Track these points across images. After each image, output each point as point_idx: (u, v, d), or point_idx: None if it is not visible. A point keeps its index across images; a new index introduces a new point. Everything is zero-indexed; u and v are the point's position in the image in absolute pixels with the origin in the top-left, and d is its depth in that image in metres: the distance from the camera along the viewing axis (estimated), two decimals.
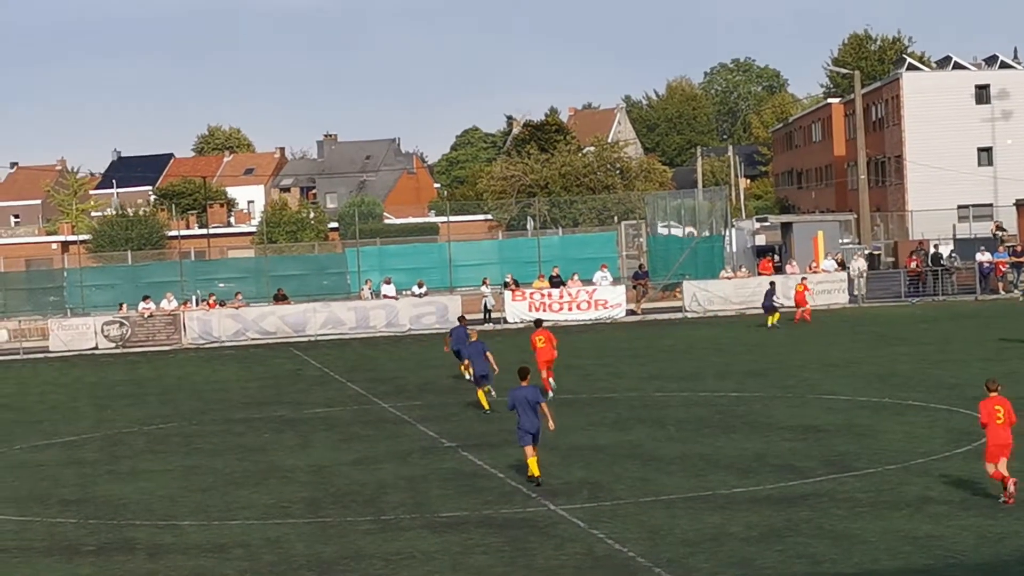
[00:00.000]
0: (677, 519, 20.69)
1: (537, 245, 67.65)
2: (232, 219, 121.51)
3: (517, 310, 58.04)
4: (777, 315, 51.57)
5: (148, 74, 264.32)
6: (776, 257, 65.14)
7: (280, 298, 59.74)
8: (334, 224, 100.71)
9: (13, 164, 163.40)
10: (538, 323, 37.20)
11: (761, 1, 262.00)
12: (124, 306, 58.52)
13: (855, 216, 75.80)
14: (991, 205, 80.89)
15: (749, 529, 19.80)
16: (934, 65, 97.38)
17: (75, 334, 57.01)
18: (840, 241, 67.52)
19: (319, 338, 56.60)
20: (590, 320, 57.97)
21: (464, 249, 69.74)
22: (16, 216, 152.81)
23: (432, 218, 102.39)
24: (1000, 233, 66.73)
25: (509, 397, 24.18)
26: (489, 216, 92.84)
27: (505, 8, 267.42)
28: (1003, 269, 61.19)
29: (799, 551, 18.49)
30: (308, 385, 41.52)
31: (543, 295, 58.75)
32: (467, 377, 35.16)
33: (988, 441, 20.84)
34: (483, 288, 59.97)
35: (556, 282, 59.99)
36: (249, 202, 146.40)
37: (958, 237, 70.46)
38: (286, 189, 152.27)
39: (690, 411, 31.66)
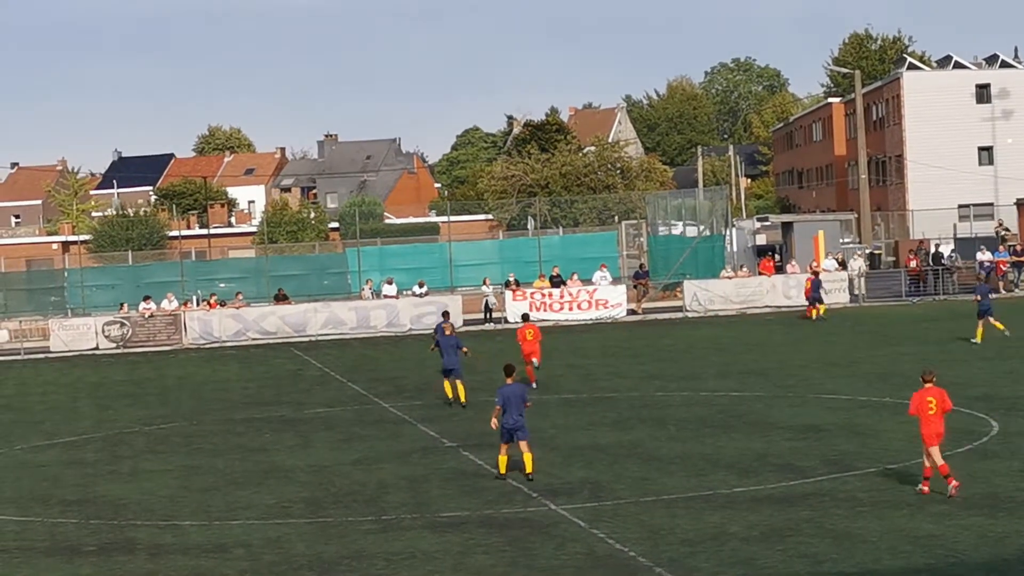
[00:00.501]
0: (678, 519, 20.69)
1: (538, 245, 67.63)
2: (233, 219, 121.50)
3: (518, 310, 58.00)
4: (824, 307, 52.94)
5: (148, 74, 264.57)
6: (777, 257, 65.14)
7: (281, 298, 59.74)
8: (335, 224, 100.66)
9: (14, 164, 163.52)
10: (525, 317, 39.34)
11: (761, 1, 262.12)
12: (125, 306, 58.52)
13: (856, 215, 75.78)
14: (992, 204, 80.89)
15: (750, 529, 19.81)
16: (934, 64, 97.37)
17: (76, 334, 57.02)
18: (841, 241, 67.51)
19: (320, 338, 56.61)
20: (591, 320, 57.97)
21: (465, 249, 69.73)
22: (17, 216, 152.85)
23: (433, 218, 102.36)
24: (1003, 232, 66.73)
25: (499, 394, 24.40)
26: (490, 216, 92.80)
27: (505, 8, 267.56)
28: (1004, 268, 61.19)
29: (800, 551, 18.49)
30: (309, 385, 41.53)
31: (544, 295, 58.74)
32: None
33: (923, 431, 21.52)
34: (484, 288, 59.96)
35: (556, 282, 59.99)
36: (250, 202, 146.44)
37: (959, 236, 70.43)
38: (287, 189, 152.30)
39: (691, 411, 31.66)
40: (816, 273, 56.36)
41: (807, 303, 54.61)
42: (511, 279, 60.51)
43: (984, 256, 61.25)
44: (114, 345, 56.61)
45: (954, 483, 21.11)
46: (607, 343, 49.25)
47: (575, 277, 60.29)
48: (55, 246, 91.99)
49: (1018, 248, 62.74)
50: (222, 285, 64.71)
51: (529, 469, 24.30)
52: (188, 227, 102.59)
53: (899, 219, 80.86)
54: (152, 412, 36.93)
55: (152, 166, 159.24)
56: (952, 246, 66.00)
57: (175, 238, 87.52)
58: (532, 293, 58.81)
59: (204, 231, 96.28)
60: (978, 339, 42.02)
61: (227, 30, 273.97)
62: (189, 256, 79.22)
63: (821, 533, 19.35)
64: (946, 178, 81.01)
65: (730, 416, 30.41)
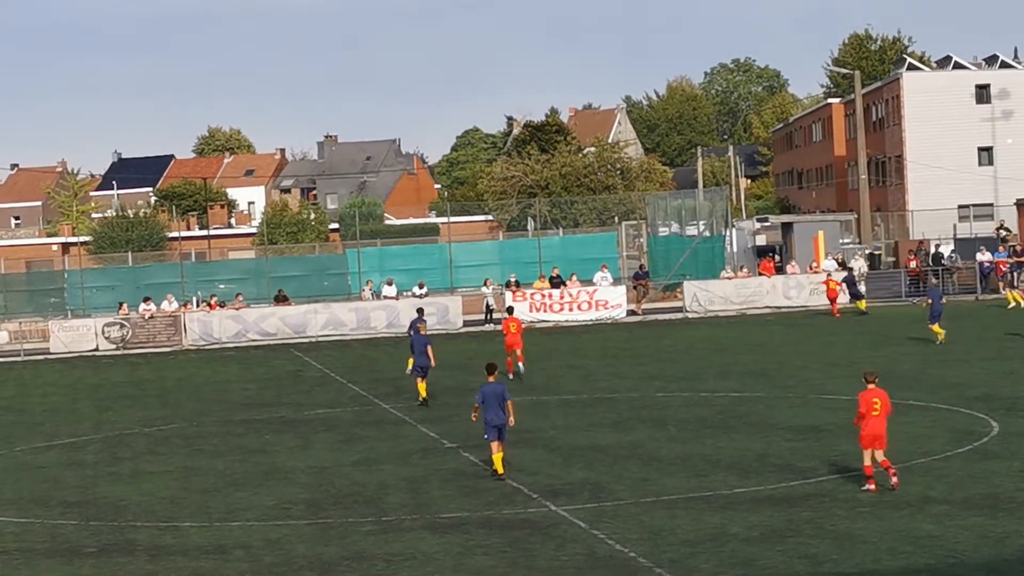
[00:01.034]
0: (678, 519, 20.69)
1: (538, 246, 67.62)
2: (233, 220, 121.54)
3: (518, 311, 57.89)
4: (863, 302, 54.80)
5: (148, 75, 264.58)
6: (777, 257, 65.13)
7: (281, 299, 59.73)
8: (335, 225, 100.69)
9: (14, 166, 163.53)
10: (510, 310, 41.80)
11: (761, 1, 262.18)
12: (124, 306, 58.44)
13: (855, 216, 75.77)
14: (991, 205, 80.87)
15: (750, 529, 19.81)
16: (934, 65, 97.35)
17: (76, 335, 57.01)
18: (840, 241, 67.49)
19: (320, 339, 56.59)
20: (591, 320, 57.96)
21: (465, 250, 69.70)
22: (17, 218, 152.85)
23: (433, 219, 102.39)
24: (1004, 233, 66.74)
25: (479, 392, 24.67)
26: (490, 217, 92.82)
27: (505, 9, 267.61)
28: (1004, 269, 61.19)
29: (800, 551, 18.49)
30: (309, 386, 41.52)
31: (544, 295, 58.72)
32: (407, 370, 37.03)
33: (863, 431, 21.93)
34: (484, 288, 59.93)
35: (556, 282, 59.97)
36: (250, 203, 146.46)
37: (958, 237, 70.42)
38: (287, 190, 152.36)
39: (691, 411, 31.66)
40: (849, 269, 57.80)
41: (830, 302, 55.41)
42: (512, 280, 60.49)
43: (984, 256, 61.24)
44: (114, 346, 56.60)
45: (895, 478, 21.70)
46: (607, 344, 49.25)
47: (574, 278, 60.27)
48: (55, 247, 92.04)
49: (1018, 248, 62.72)
50: (222, 286, 64.67)
51: (501, 469, 24.56)
52: (188, 228, 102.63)
53: (899, 219, 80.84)
54: (152, 413, 36.92)
55: (152, 167, 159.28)
56: (952, 246, 65.99)
57: (175, 239, 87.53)
58: (532, 294, 58.78)
59: (204, 232, 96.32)
60: (941, 339, 42.52)
61: (227, 31, 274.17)
62: (189, 257, 79.20)
63: (821, 534, 19.35)
64: (946, 178, 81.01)
65: (730, 417, 30.41)
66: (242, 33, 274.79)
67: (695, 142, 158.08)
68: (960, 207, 79.43)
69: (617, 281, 62.40)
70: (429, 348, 34.89)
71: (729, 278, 60.28)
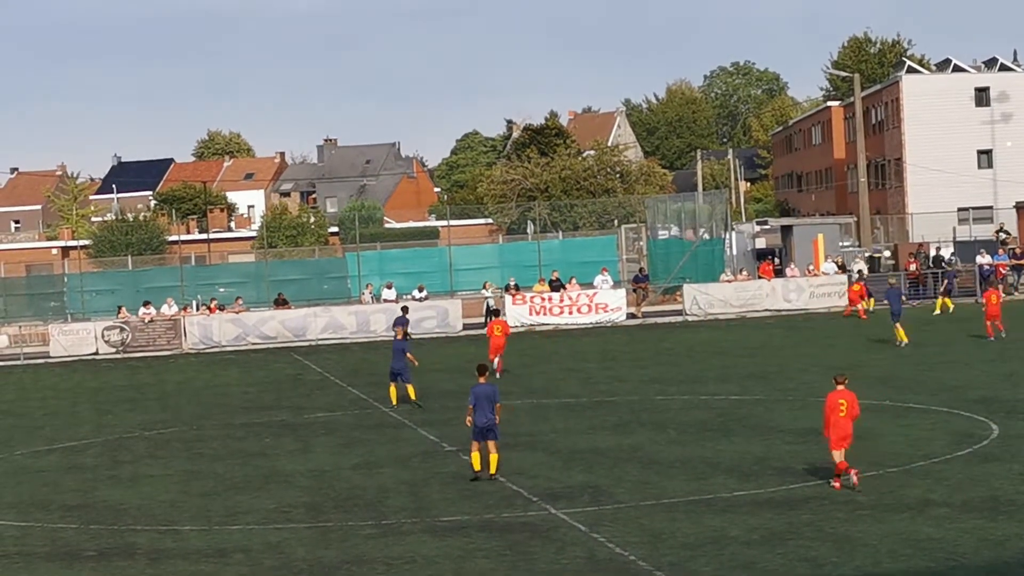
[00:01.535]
0: (678, 522, 20.69)
1: (538, 249, 67.61)
2: (232, 224, 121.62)
3: (518, 314, 58.01)
4: (872, 300, 55.15)
5: (148, 79, 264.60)
6: (776, 260, 65.14)
7: (280, 303, 59.71)
8: (334, 228, 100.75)
9: (13, 169, 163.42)
10: (496, 313, 41.10)
11: (761, 4, 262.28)
12: (123, 309, 58.40)
13: (855, 219, 75.82)
14: (991, 208, 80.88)
15: (750, 532, 19.81)
16: (934, 68, 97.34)
17: (76, 339, 57.01)
18: (840, 244, 67.52)
19: (320, 342, 56.58)
20: (590, 324, 57.94)
21: (464, 253, 69.71)
22: (16, 221, 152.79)
23: (432, 222, 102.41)
24: (1003, 236, 66.74)
25: (471, 394, 24.74)
26: (489, 220, 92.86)
27: (505, 12, 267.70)
28: (1003, 271, 61.21)
29: (801, 554, 18.49)
30: (309, 389, 41.52)
31: (543, 299, 58.70)
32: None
33: (829, 433, 22.29)
34: (484, 291, 59.91)
35: (556, 286, 59.97)
36: (249, 207, 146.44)
37: (958, 240, 70.43)
38: (286, 194, 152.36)
39: (691, 414, 31.65)
40: (850, 272, 58.59)
41: (850, 305, 55.55)
42: (511, 283, 60.50)
43: (984, 259, 61.26)
44: (114, 350, 56.59)
45: (856, 478, 22.03)
46: (607, 347, 49.24)
47: (574, 281, 60.26)
48: (55, 251, 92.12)
49: (1017, 251, 62.71)
50: (222, 290, 64.64)
51: (493, 470, 24.62)
52: (188, 232, 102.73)
53: (898, 222, 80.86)
54: (152, 417, 36.91)
55: (151, 171, 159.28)
56: (952, 249, 66.01)
57: (175, 243, 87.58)
58: (532, 297, 58.77)
59: (204, 236, 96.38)
60: (902, 340, 42.96)
61: (226, 34, 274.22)
62: (189, 261, 79.22)
63: (821, 537, 19.35)
64: (945, 181, 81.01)
65: (730, 420, 30.40)
66: (242, 37, 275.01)
67: (695, 145, 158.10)
68: (960, 210, 79.45)
69: (617, 284, 62.38)
70: (407, 353, 35.39)
71: (729, 281, 60.28)
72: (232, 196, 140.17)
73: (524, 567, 18.70)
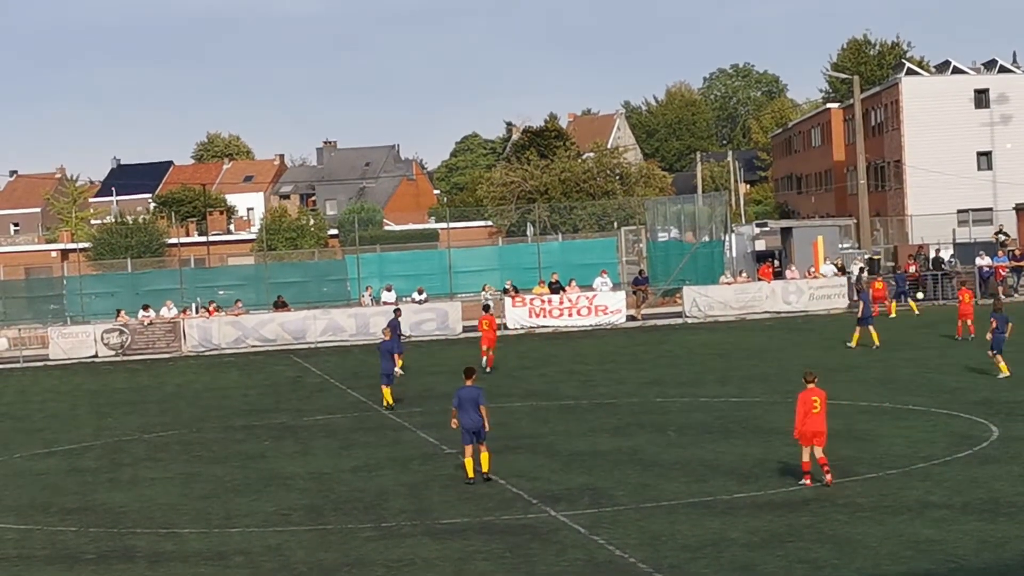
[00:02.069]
0: (678, 525, 20.68)
1: (537, 251, 67.61)
2: (232, 226, 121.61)
3: (517, 316, 58.00)
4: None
5: (147, 82, 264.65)
6: (776, 262, 65.13)
7: (280, 305, 59.69)
8: (334, 231, 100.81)
9: (12, 172, 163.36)
10: (486, 308, 44.37)
11: (760, 6, 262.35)
12: (122, 312, 58.37)
13: (855, 221, 75.75)
14: (991, 209, 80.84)
15: (750, 534, 19.80)
16: (933, 69, 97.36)
17: (75, 342, 56.98)
18: (840, 246, 67.48)
19: (319, 345, 56.56)
20: (590, 326, 57.93)
21: (464, 255, 69.74)
22: (16, 224, 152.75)
23: (432, 224, 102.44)
24: (1003, 237, 66.73)
25: (455, 396, 24.86)
26: (489, 222, 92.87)
27: (504, 13, 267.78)
28: (1003, 273, 61.22)
29: (800, 556, 18.49)
30: (308, 392, 41.51)
31: (543, 301, 58.69)
32: (398, 371, 37.75)
33: (803, 429, 22.84)
34: (483, 294, 59.89)
35: (556, 288, 59.96)
36: (249, 209, 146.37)
37: (958, 241, 70.42)
38: (286, 196, 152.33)
39: (691, 416, 31.65)
40: (850, 273, 58.81)
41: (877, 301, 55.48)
42: (508, 286, 60.49)
43: (983, 261, 61.26)
44: (113, 353, 56.57)
45: (829, 476, 22.51)
46: (606, 349, 49.23)
47: (573, 283, 60.25)
48: (54, 254, 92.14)
49: (1017, 253, 62.68)
50: (221, 292, 64.67)
51: (485, 468, 24.73)
52: (187, 235, 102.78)
53: (898, 224, 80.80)
54: (151, 420, 36.91)
55: (151, 174, 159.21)
56: (951, 251, 66.00)
57: (174, 245, 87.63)
58: (532, 299, 58.75)
59: (203, 238, 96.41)
60: (853, 343, 43.79)
61: (225, 37, 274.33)
62: (188, 263, 79.27)
63: (821, 538, 19.34)
64: (945, 183, 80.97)
65: (730, 422, 30.39)
66: (241, 39, 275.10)
67: (694, 147, 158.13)
68: (959, 211, 79.39)
69: (616, 286, 62.38)
70: (394, 355, 35.93)
71: (728, 283, 60.27)
72: (231, 199, 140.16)
73: (524, 569, 18.70)
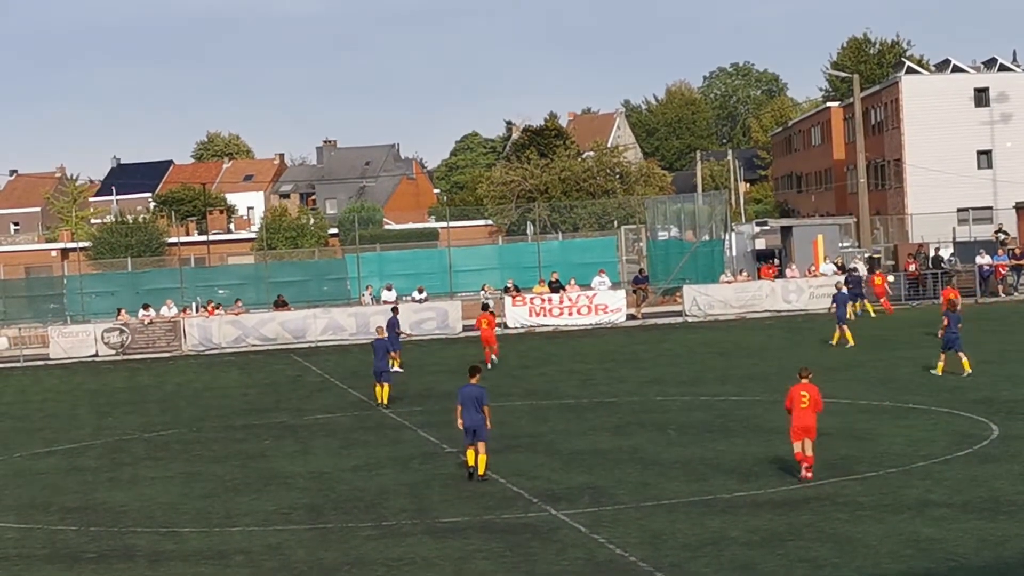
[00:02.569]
0: (678, 523, 20.68)
1: (537, 250, 67.61)
2: (232, 226, 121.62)
3: (517, 315, 58.00)
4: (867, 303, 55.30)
5: (147, 81, 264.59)
6: (776, 261, 65.12)
7: (280, 304, 59.71)
8: (334, 230, 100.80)
9: (12, 172, 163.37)
10: (485, 307, 45.22)
11: (760, 5, 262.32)
12: (122, 311, 58.38)
13: (855, 220, 75.75)
14: (991, 208, 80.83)
15: (751, 533, 19.80)
16: (933, 68, 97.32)
17: (75, 341, 57.00)
18: (840, 245, 67.47)
19: (319, 344, 56.56)
20: (590, 325, 57.93)
21: (464, 254, 69.75)
22: (16, 223, 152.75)
23: (432, 223, 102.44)
24: (1003, 236, 66.72)
25: (458, 394, 24.98)
26: (489, 221, 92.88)
27: (504, 12, 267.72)
28: (1003, 272, 61.22)
29: (801, 555, 18.48)
30: (309, 391, 41.52)
31: (543, 300, 58.69)
32: (395, 368, 38.56)
33: (793, 423, 23.05)
34: (482, 293, 59.91)
35: (556, 287, 59.97)
36: (249, 208, 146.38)
37: (958, 240, 70.41)
38: (286, 195, 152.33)
39: (691, 415, 31.64)
40: (853, 271, 58.06)
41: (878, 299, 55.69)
42: (509, 284, 60.50)
43: (983, 260, 61.25)
44: (113, 352, 56.58)
45: (808, 473, 23.02)
46: (607, 348, 49.23)
47: (573, 282, 60.26)
48: (54, 253, 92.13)
49: (1017, 252, 62.69)
50: (221, 292, 64.70)
51: (481, 471, 24.76)
52: (187, 234, 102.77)
53: (898, 223, 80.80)
54: (152, 419, 36.91)
55: (151, 173, 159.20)
56: (951, 250, 65.98)
57: (174, 245, 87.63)
58: (532, 298, 58.75)
59: (203, 238, 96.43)
60: (834, 341, 44.26)
61: (225, 36, 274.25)
62: (188, 263, 79.26)
63: (822, 537, 19.34)
64: (945, 182, 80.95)
65: (730, 421, 30.39)
66: (241, 38, 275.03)
67: (694, 146, 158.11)
68: (959, 210, 79.37)
69: (616, 285, 62.35)
70: (389, 352, 36.75)
71: (729, 282, 60.27)
72: (231, 198, 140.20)
73: (524, 568, 18.70)
